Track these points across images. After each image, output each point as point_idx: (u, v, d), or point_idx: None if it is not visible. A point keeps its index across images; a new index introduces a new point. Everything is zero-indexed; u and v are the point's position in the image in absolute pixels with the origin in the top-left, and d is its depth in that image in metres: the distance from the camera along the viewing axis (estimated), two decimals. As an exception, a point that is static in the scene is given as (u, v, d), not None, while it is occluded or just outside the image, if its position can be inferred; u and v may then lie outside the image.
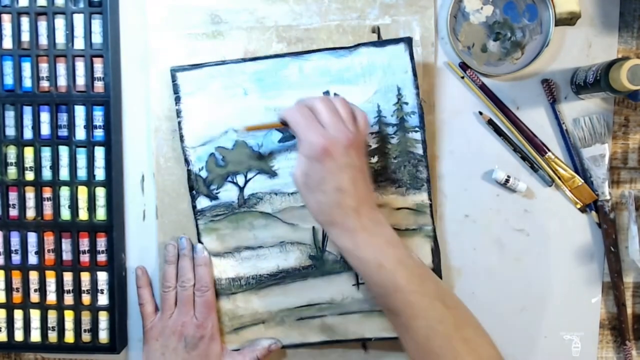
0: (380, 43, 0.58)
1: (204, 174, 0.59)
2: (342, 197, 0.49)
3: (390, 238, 0.50)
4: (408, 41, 0.57)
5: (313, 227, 0.60)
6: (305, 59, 0.58)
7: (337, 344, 0.61)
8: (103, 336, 0.61)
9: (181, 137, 0.59)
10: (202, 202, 0.60)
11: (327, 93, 0.58)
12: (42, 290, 0.61)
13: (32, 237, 0.61)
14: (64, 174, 0.60)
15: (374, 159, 0.59)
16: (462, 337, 0.47)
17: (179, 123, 0.58)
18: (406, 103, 0.58)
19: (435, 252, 0.60)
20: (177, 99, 0.58)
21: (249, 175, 0.59)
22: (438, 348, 0.47)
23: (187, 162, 0.59)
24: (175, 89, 0.58)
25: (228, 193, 0.59)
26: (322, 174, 0.49)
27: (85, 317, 0.61)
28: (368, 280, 0.50)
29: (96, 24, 0.59)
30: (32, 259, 0.61)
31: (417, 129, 0.58)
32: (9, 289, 0.61)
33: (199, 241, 0.60)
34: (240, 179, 0.59)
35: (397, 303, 0.48)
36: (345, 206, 0.49)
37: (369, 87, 0.58)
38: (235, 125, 0.58)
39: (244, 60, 0.58)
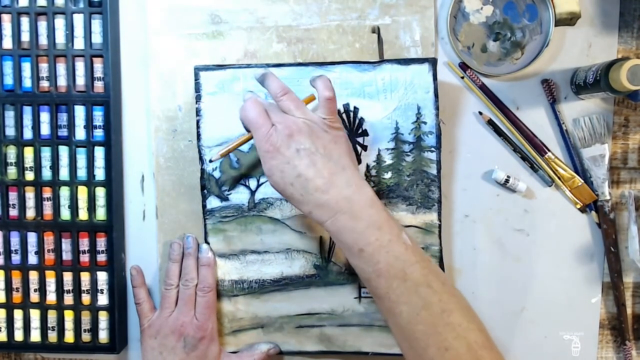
0: (405, 61, 0.58)
1: (217, 174, 0.59)
2: (306, 183, 0.48)
3: (376, 220, 0.48)
4: (433, 62, 0.57)
5: (320, 237, 0.60)
6: (329, 70, 0.58)
7: (334, 355, 0.61)
8: (103, 336, 0.61)
9: (198, 135, 0.59)
10: (213, 202, 0.60)
11: (347, 105, 0.58)
12: (42, 290, 0.61)
13: (32, 237, 0.61)
14: (64, 174, 0.60)
15: (388, 175, 0.59)
16: (448, 322, 0.46)
17: (198, 122, 0.59)
18: (425, 122, 0.58)
19: None
20: (198, 98, 0.58)
21: (262, 180, 0.59)
22: (422, 334, 0.46)
23: (201, 160, 0.59)
24: (197, 88, 0.58)
25: (239, 195, 0.60)
26: (280, 168, 0.49)
27: (85, 317, 0.61)
28: (351, 263, 0.50)
29: (96, 24, 0.59)
30: (32, 259, 0.61)
31: (433, 149, 0.59)
32: (9, 289, 0.61)
33: (206, 241, 0.60)
34: (252, 183, 0.59)
35: (380, 288, 0.48)
36: (312, 190, 0.48)
37: (389, 103, 0.58)
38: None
39: (268, 65, 0.58)
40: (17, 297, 0.61)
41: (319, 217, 0.49)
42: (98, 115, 0.60)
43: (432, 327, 0.46)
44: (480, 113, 0.61)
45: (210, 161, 0.55)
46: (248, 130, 0.52)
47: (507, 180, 0.60)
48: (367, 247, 0.47)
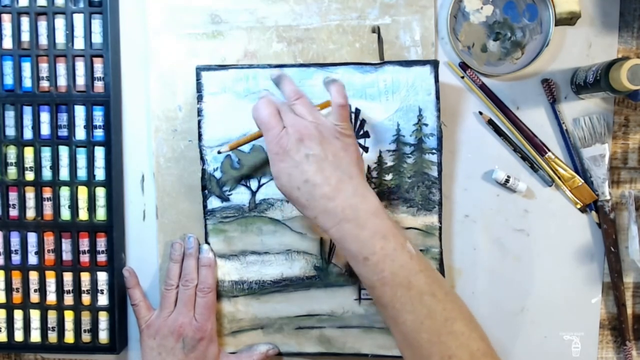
0: (407, 63, 0.58)
1: (218, 174, 0.59)
2: (312, 189, 0.48)
3: (381, 229, 0.48)
4: (434, 64, 0.58)
5: (321, 238, 0.60)
6: (331, 71, 0.58)
7: (334, 356, 0.61)
8: (103, 336, 0.61)
9: (199, 136, 0.59)
10: (213, 203, 0.60)
11: (348, 107, 0.58)
12: (42, 290, 0.61)
13: (32, 237, 0.61)
14: (64, 174, 0.60)
15: (389, 177, 0.59)
16: (452, 331, 0.46)
17: (199, 122, 0.59)
18: (426, 124, 0.58)
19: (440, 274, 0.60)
20: (199, 98, 0.58)
21: (263, 181, 0.59)
22: (426, 342, 0.46)
23: (202, 161, 0.59)
24: (199, 88, 0.58)
25: (240, 196, 0.60)
26: (288, 171, 0.49)
27: (85, 317, 0.61)
28: (355, 271, 0.49)
29: (96, 24, 0.59)
30: (32, 259, 0.61)
31: (434, 151, 0.59)
32: (9, 289, 0.61)
33: (206, 241, 0.60)
34: (253, 183, 0.59)
35: (385, 296, 0.48)
36: (318, 196, 0.48)
37: (391, 105, 0.58)
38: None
39: (270, 66, 0.58)
40: (17, 297, 0.61)
41: (324, 224, 0.49)
42: (98, 115, 0.60)
43: (436, 336, 0.46)
44: (481, 113, 0.61)
45: (219, 152, 0.56)
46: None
47: (507, 180, 0.60)
48: (372, 256, 0.47)
